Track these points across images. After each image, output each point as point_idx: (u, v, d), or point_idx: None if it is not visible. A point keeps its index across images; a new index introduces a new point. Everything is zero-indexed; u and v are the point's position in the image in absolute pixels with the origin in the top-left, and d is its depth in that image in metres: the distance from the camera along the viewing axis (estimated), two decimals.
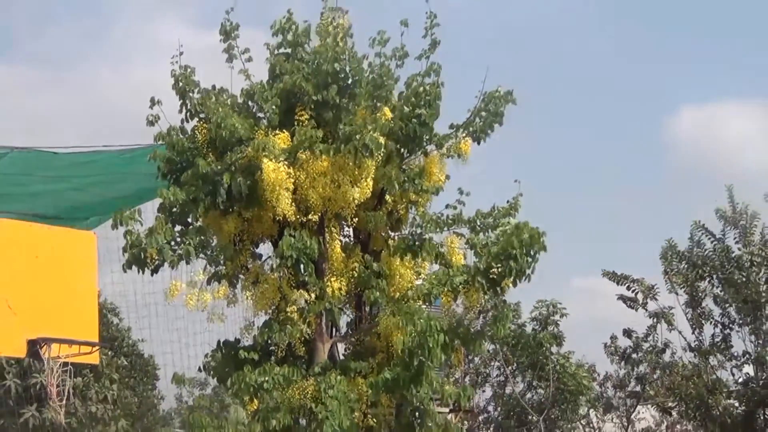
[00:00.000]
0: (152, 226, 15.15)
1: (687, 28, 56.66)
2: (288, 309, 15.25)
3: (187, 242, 15.26)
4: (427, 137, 15.92)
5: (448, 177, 16.14)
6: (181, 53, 15.68)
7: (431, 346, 14.33)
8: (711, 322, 26.98)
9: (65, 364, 11.16)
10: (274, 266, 15.52)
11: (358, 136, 14.85)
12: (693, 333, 27.34)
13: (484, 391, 32.33)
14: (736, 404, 26.99)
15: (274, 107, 15.52)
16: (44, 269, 11.23)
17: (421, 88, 15.61)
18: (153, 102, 15.50)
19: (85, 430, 26.79)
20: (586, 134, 54.93)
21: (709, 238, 26.84)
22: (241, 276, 15.79)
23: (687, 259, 26.86)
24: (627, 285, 27.69)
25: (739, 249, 26.68)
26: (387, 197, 15.84)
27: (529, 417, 30.73)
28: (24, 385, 26.20)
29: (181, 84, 15.76)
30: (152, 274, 15.18)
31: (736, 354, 27.10)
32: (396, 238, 16.10)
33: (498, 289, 15.36)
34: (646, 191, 50.87)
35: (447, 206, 16.11)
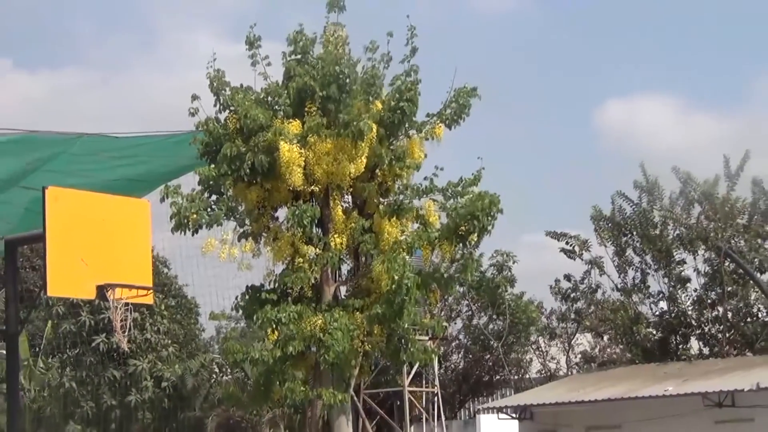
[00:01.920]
0: (192, 194, 15.35)
1: (609, 33, 56.70)
2: (300, 260, 15.38)
3: (219, 208, 15.43)
4: (409, 124, 16.00)
5: (426, 155, 16.30)
6: (214, 59, 15.82)
7: (409, 286, 14.49)
8: (633, 268, 27.12)
9: (126, 304, 11.23)
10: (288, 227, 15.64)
11: (354, 124, 14.94)
12: (619, 277, 27.48)
13: (455, 323, 32.38)
14: (654, 332, 27.14)
15: (287, 101, 15.61)
16: (109, 230, 11.25)
17: (404, 86, 15.69)
18: (194, 98, 15.63)
19: (144, 354, 26.99)
20: (536, 123, 54.95)
21: (629, 204, 26.90)
22: (264, 234, 15.90)
23: (611, 221, 26.97)
24: (566, 241, 27.79)
25: (653, 210, 26.74)
26: (378, 171, 15.94)
27: (491, 343, 30.89)
28: (95, 319, 26.39)
29: (215, 84, 15.83)
30: (193, 235, 15.36)
31: (653, 293, 27.31)
32: (385, 203, 16.22)
33: (465, 243, 15.54)
34: (582, 168, 51.15)
35: (425, 178, 16.25)
